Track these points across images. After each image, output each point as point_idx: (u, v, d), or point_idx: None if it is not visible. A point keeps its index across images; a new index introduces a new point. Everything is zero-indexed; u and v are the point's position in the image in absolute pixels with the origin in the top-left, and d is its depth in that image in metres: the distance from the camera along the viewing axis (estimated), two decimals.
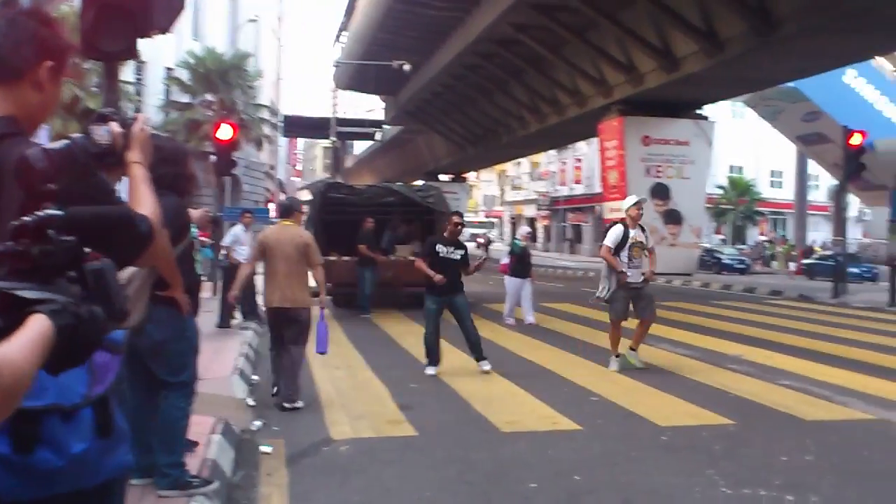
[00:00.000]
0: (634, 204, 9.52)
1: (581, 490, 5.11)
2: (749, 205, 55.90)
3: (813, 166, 50.97)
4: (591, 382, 8.55)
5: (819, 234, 55.90)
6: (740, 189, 55.72)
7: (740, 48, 21.92)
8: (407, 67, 33.93)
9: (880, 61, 46.41)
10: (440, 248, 9.24)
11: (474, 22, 30.44)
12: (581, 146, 55.82)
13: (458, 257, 9.26)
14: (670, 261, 31.08)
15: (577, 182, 59.86)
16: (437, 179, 55.42)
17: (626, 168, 30.91)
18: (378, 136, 52.67)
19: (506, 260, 15.23)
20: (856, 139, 21.92)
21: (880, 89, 46.09)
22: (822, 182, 58.47)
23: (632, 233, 9.35)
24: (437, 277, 8.95)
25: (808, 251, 40.32)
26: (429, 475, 5.35)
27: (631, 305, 9.48)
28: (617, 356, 9.51)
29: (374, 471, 5.45)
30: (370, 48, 39.57)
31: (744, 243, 52.69)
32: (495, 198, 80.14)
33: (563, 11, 26.39)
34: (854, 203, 57.04)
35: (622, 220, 9.58)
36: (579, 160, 59.19)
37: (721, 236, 54.90)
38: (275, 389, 7.52)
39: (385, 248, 16.43)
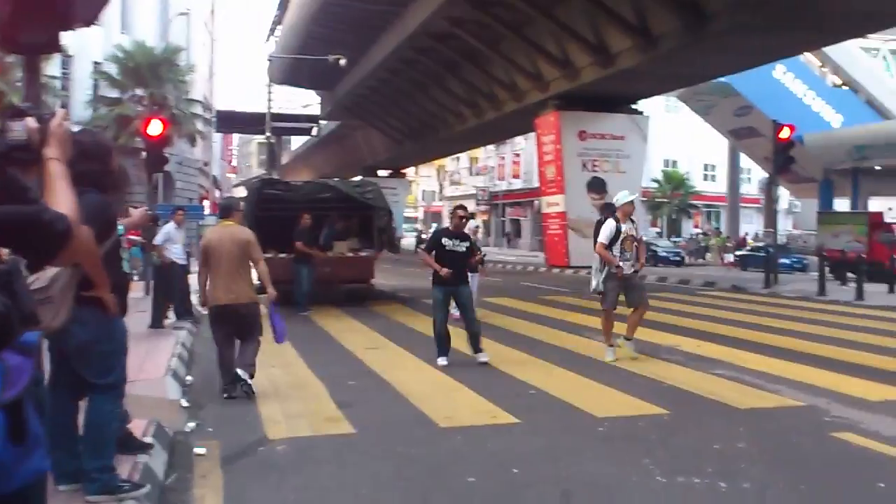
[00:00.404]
0: (630, 201, 9.89)
1: (519, 483, 5.12)
2: (683, 198, 56.82)
3: (745, 160, 52.03)
4: (530, 376, 8.58)
5: (751, 226, 57.11)
6: (675, 182, 56.62)
7: (673, 44, 22.26)
8: (343, 62, 33.68)
9: (808, 57, 47.52)
10: (446, 241, 9.58)
11: (410, 16, 30.42)
12: (519, 141, 56.16)
13: (464, 249, 9.61)
14: None
15: (516, 177, 60.17)
16: (376, 175, 55.17)
17: (563, 162, 31.16)
18: (315, 131, 52.32)
19: None
20: (785, 133, 22.41)
21: (808, 84, 47.18)
22: (754, 175, 59.66)
23: (623, 227, 9.74)
24: (444, 271, 9.26)
25: (741, 243, 41.14)
26: (366, 473, 5.31)
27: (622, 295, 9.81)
28: (611, 345, 9.74)
29: (311, 470, 5.39)
30: (305, 42, 39.25)
31: (679, 236, 53.49)
32: (434, 193, 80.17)
33: (498, 7, 26.52)
34: (785, 195, 58.37)
35: (612, 215, 9.98)
36: (517, 155, 59.51)
37: (657, 229, 55.77)
38: (225, 394, 7.49)
39: (322, 245, 16.30)
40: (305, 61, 38.93)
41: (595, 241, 10.06)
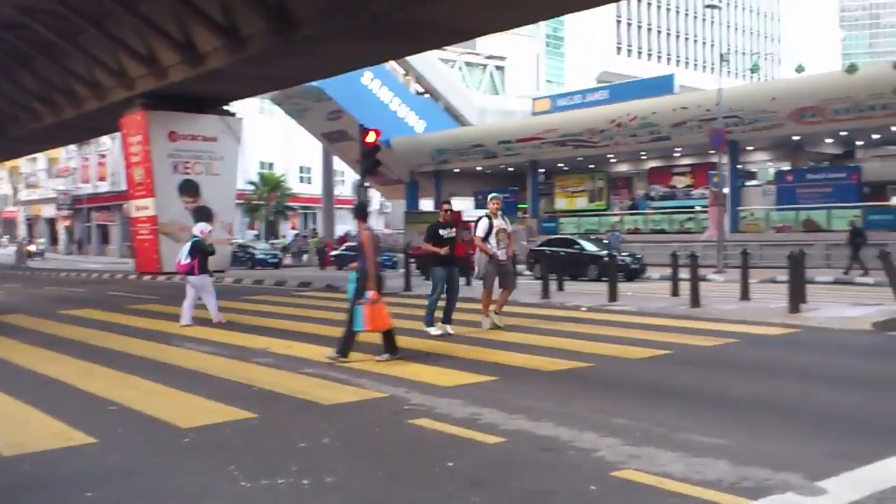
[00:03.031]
0: (492, 199, 12.62)
1: None
2: (280, 200, 57.53)
3: (339, 162, 53.93)
4: (110, 391, 8.01)
5: (346, 226, 59.34)
6: (271, 185, 57.12)
7: (262, 46, 22.32)
8: None
9: (394, 65, 50.53)
10: (441, 231, 11.84)
11: None
12: (105, 141, 53.12)
13: (453, 234, 11.94)
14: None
15: (102, 179, 56.88)
16: None
17: (152, 164, 29.97)
18: None
19: (187, 259, 13.99)
20: (371, 137, 23.41)
21: (394, 91, 50.04)
22: (348, 177, 62.02)
23: (496, 222, 12.30)
24: (444, 250, 11.71)
25: (343, 241, 42.33)
26: None
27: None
28: (487, 316, 12.36)
29: None
30: None
31: (277, 237, 54.01)
32: (8, 197, 72.97)
33: None
34: (376, 196, 61.50)
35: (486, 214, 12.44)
36: (103, 156, 56.28)
37: (255, 231, 55.82)
38: None
39: None
40: None
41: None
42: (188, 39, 24.65)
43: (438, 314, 12.08)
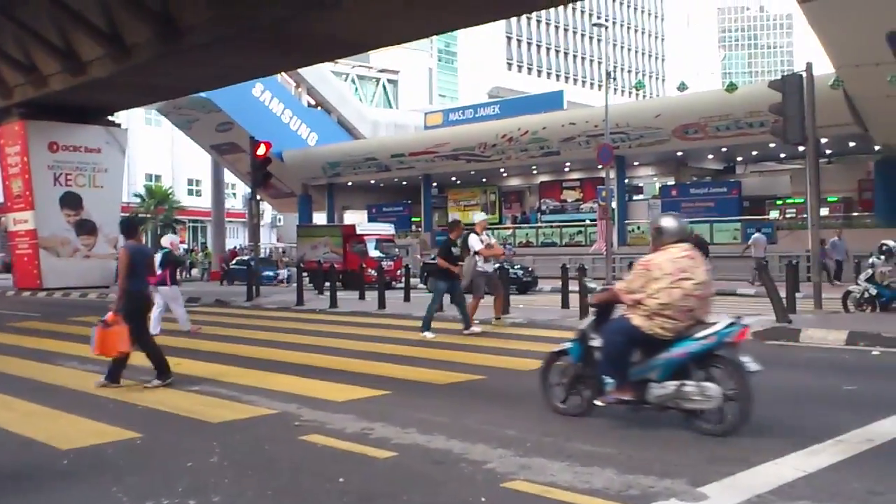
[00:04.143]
0: (481, 221, 14.74)
1: None
2: (168, 213, 56.20)
3: (229, 175, 52.98)
4: None
5: (237, 240, 58.42)
6: (159, 197, 55.79)
7: (147, 55, 21.74)
8: None
9: (285, 77, 50.04)
10: (453, 249, 13.82)
11: None
12: None
13: (458, 252, 13.87)
14: (86, 273, 29.78)
15: None
16: None
17: (31, 176, 28.85)
18: None
19: (158, 270, 13.47)
20: (261, 150, 23.18)
21: (285, 103, 49.52)
22: (239, 190, 61.08)
23: (482, 237, 14.26)
24: (457, 268, 13.68)
25: (233, 256, 41.64)
26: None
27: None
28: (477, 322, 13.91)
29: None
30: None
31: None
32: None
33: None
34: (269, 210, 60.69)
35: (471, 231, 14.34)
36: None
37: None
38: None
39: None
40: None
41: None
42: (69, 47, 23.83)
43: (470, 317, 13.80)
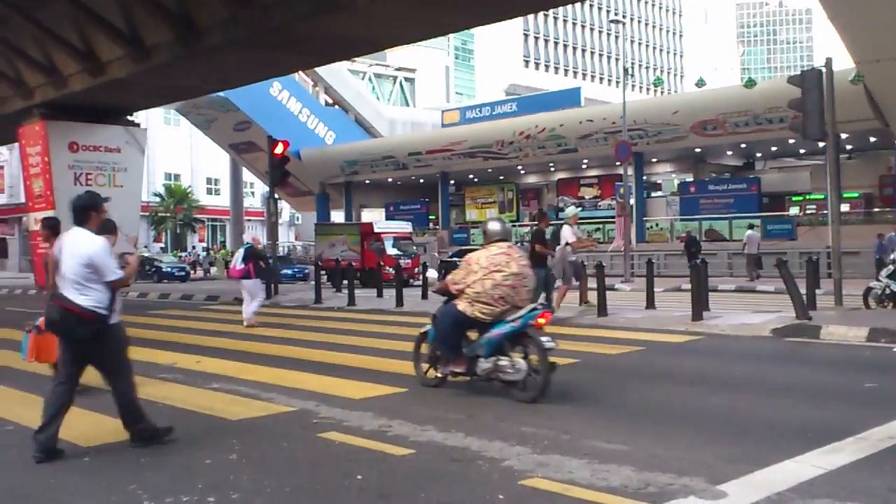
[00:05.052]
0: (574, 213, 16.15)
1: None
2: (187, 212, 56.46)
3: (248, 174, 53.24)
4: (7, 411, 7.76)
5: (247, 235, 58.59)
6: (178, 196, 56.06)
7: (167, 56, 21.83)
8: None
9: (303, 76, 50.20)
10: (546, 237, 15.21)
11: None
12: (2, 151, 51.30)
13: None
14: None
15: (0, 191, 54.90)
16: None
17: (52, 176, 29.00)
18: None
19: (241, 265, 15.44)
20: (279, 149, 23.26)
21: (303, 102, 49.67)
22: (257, 188, 61.30)
23: (574, 230, 15.48)
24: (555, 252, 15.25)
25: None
26: None
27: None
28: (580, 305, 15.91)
29: None
30: None
31: (184, 250, 53.01)
32: None
33: None
34: (287, 208, 60.91)
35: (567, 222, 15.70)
36: (0, 167, 54.33)
37: (161, 244, 54.69)
38: None
39: None
40: None
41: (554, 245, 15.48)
42: (89, 48, 23.95)
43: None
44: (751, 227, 29.21)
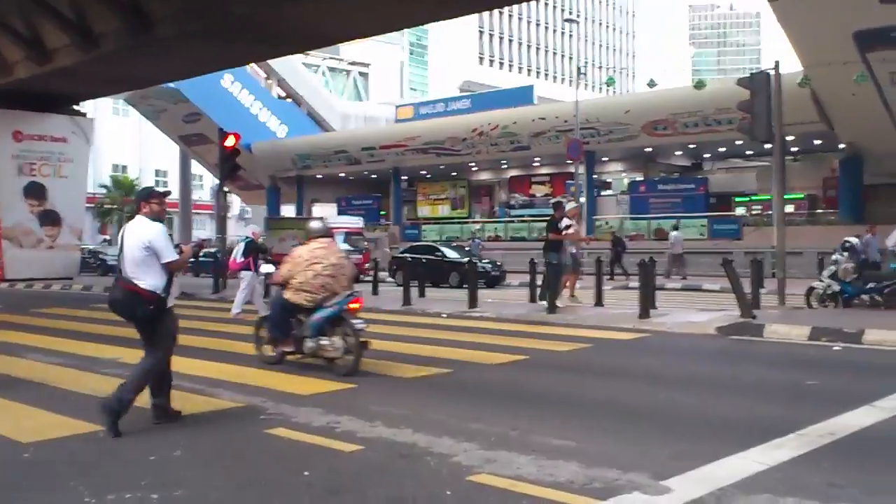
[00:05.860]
0: (576, 207, 17.30)
1: None
2: (133, 204, 55.61)
3: (197, 166, 52.56)
4: None
5: (205, 231, 57.95)
6: (125, 188, 55.20)
7: (115, 45, 21.46)
8: None
9: (255, 69, 49.67)
10: (559, 225, 15.56)
11: None
12: None
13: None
14: (49, 264, 29.40)
15: None
16: None
17: None
18: None
19: (241, 258, 16.49)
20: (230, 141, 22.99)
21: (255, 95, 49.16)
22: (207, 181, 60.58)
23: (572, 223, 16.09)
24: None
25: (200, 247, 41.09)
26: None
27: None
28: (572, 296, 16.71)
29: None
30: None
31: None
32: None
33: None
34: (237, 201, 60.28)
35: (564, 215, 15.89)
36: None
37: (106, 237, 53.79)
38: None
39: None
40: None
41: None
42: (35, 35, 23.46)
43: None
44: (675, 228, 29.73)
